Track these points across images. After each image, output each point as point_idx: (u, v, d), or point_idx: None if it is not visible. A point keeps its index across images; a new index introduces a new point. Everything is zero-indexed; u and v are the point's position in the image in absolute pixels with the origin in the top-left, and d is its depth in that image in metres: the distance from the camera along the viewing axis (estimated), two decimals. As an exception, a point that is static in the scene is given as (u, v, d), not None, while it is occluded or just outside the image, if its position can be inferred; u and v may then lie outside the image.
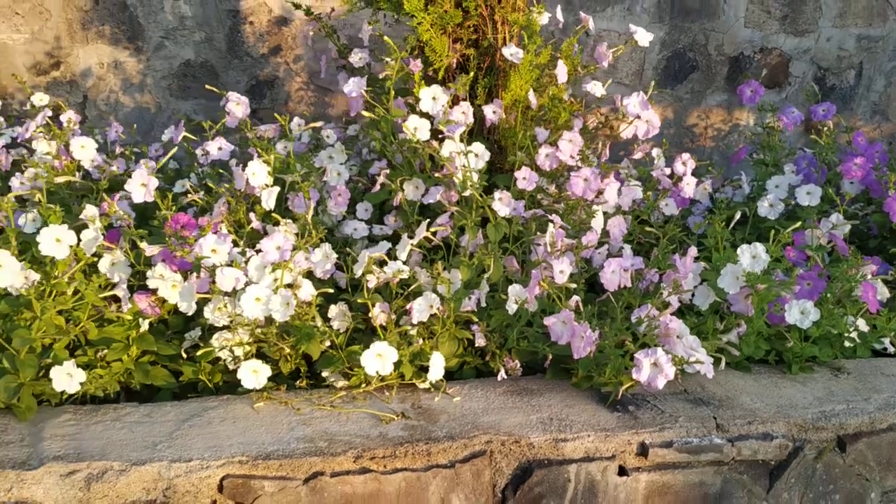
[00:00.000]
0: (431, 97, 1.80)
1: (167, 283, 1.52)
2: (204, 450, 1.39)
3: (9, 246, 1.46)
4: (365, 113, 1.87)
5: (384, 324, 1.61)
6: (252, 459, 1.38)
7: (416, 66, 1.81)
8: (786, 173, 2.39)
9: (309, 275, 1.63)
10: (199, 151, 2.15)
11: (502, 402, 1.60)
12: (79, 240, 1.45)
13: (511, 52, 1.85)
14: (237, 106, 2.17)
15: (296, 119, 2.28)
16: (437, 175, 1.76)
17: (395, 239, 1.97)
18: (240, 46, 3.01)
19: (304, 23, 3.01)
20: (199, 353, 1.57)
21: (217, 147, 1.94)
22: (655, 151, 2.32)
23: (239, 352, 1.58)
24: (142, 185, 1.63)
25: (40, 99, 2.66)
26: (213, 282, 1.54)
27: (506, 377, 1.67)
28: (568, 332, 1.49)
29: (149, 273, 1.53)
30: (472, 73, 1.88)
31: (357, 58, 2.12)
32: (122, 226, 1.66)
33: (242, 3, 2.97)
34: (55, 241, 1.42)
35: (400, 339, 1.58)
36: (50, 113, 2.49)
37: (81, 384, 1.39)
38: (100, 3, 2.91)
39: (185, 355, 1.61)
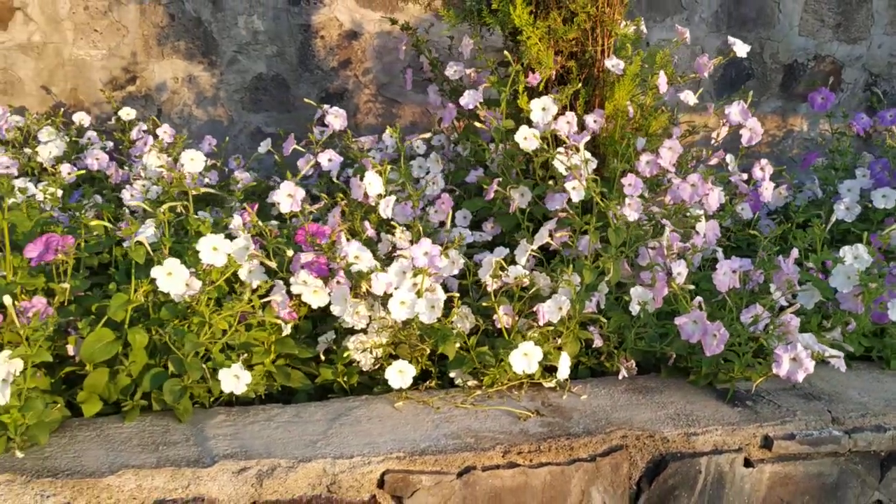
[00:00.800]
0: (541, 108, 1.88)
1: (309, 289, 1.59)
2: (361, 447, 1.46)
3: (161, 255, 1.53)
4: (477, 124, 1.94)
5: (508, 326, 1.68)
6: (409, 455, 1.44)
7: (535, 78, 1.89)
8: (857, 177, 2.47)
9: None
10: (301, 162, 2.22)
11: (627, 399, 1.67)
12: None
13: (613, 63, 1.93)
14: (336, 119, 2.24)
15: (387, 131, 2.36)
16: (549, 183, 1.83)
17: (491, 245, 2.04)
18: (310, 60, 3.09)
19: (374, 37, 3.09)
20: (337, 355, 1.64)
21: (327, 158, 2.02)
22: (729, 157, 2.40)
23: (372, 354, 1.65)
24: (288, 196, 1.70)
25: (127, 113, 2.74)
26: (352, 287, 1.61)
27: (626, 375, 1.74)
28: (699, 331, 1.56)
29: (291, 280, 1.60)
30: (574, 85, 1.96)
31: (452, 70, 2.20)
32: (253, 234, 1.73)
33: (314, 17, 3.05)
34: (212, 249, 1.49)
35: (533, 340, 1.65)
36: (145, 127, 2.57)
37: (247, 385, 1.45)
38: (176, 20, 2.99)
39: (322, 357, 1.67)
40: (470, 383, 1.67)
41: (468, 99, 1.93)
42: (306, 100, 2.50)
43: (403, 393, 1.63)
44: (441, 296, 1.55)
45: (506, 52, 2.04)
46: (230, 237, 1.58)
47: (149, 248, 1.53)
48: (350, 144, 2.17)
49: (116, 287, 1.48)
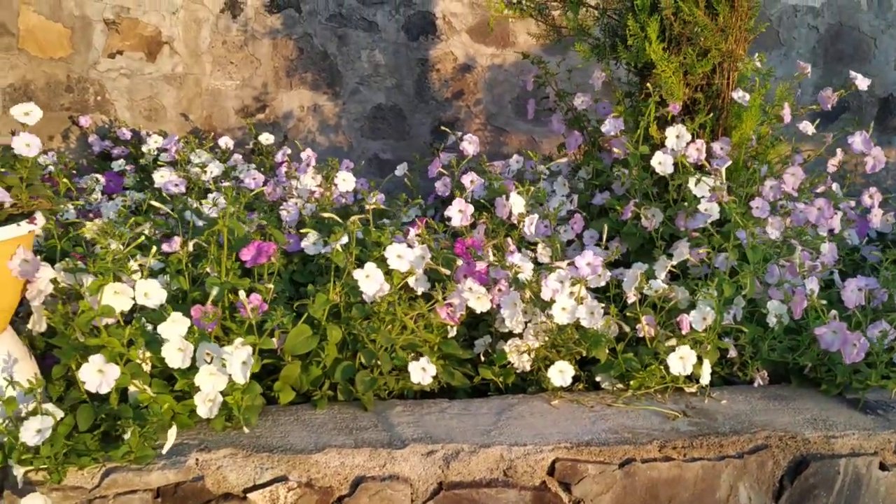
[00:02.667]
0: (675, 135, 2.04)
1: (474, 295, 1.76)
2: (531, 437, 1.61)
3: (349, 261, 1.72)
4: (616, 150, 2.11)
5: (651, 335, 1.82)
6: (575, 446, 1.60)
7: (675, 108, 2.05)
8: (963, 205, 2.57)
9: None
10: (439, 185, 2.41)
11: (764, 405, 1.80)
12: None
13: (739, 95, 2.09)
14: (470, 145, 2.44)
15: (514, 157, 2.55)
16: (684, 204, 1.98)
17: (616, 264, 2.19)
18: (426, 91, 3.30)
19: (485, 70, 3.30)
20: (496, 357, 1.81)
21: (469, 180, 2.20)
22: (835, 186, 2.52)
23: (528, 357, 1.81)
24: (459, 211, 1.89)
25: (266, 139, 2.98)
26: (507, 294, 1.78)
27: (761, 384, 1.86)
28: (839, 341, 1.69)
29: (458, 286, 1.77)
30: (702, 115, 2.12)
31: (580, 101, 2.38)
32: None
33: (431, 52, 3.27)
34: (397, 257, 1.68)
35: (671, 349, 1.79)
36: (289, 151, 2.79)
37: (433, 378, 1.63)
38: (304, 53, 3.23)
39: (482, 359, 1.84)
40: (617, 386, 1.81)
41: (609, 126, 2.10)
42: (444, 128, 2.70)
43: (558, 392, 1.78)
44: (597, 304, 1.71)
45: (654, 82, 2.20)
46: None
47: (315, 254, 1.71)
48: (485, 168, 2.35)
49: (314, 288, 1.67)
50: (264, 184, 2.42)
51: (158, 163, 2.62)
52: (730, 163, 1.99)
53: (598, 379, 1.85)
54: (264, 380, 1.69)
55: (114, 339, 1.40)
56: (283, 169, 2.58)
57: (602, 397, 1.79)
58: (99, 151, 2.93)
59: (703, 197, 1.98)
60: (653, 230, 2.03)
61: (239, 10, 3.17)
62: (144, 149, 2.73)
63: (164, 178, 2.34)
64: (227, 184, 2.42)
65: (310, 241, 2.00)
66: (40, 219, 1.45)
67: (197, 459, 1.49)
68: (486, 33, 3.25)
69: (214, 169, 2.41)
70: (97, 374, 1.37)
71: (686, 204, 2.03)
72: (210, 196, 2.11)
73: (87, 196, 2.13)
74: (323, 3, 3.18)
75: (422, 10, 3.22)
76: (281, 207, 2.30)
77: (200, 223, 2.08)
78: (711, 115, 2.18)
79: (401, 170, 2.55)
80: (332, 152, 3.32)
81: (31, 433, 1.36)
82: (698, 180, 1.91)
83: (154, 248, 1.53)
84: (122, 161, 2.70)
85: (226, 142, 2.89)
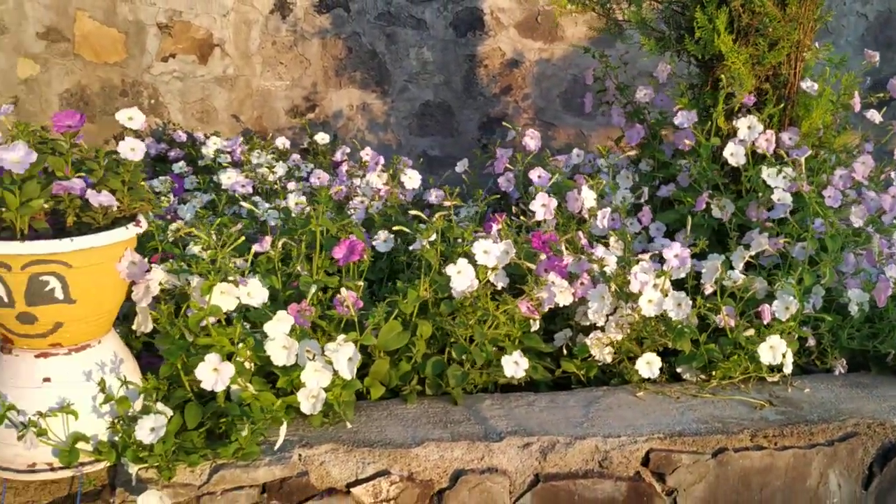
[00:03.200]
0: (747, 126, 2.04)
1: (557, 289, 1.78)
2: (623, 428, 1.63)
3: (435, 257, 1.74)
4: (687, 142, 2.12)
5: (732, 325, 1.83)
6: (668, 437, 1.61)
7: (750, 99, 2.06)
8: None
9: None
10: (502, 180, 2.43)
11: (847, 393, 1.80)
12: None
13: (808, 85, 2.09)
14: (531, 140, 2.45)
15: (575, 151, 2.56)
16: (759, 195, 1.99)
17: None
18: (474, 87, 3.32)
19: (533, 65, 3.31)
20: (578, 350, 1.82)
21: (537, 175, 2.21)
22: (894, 174, 2.51)
23: (609, 349, 1.83)
24: (542, 206, 1.91)
25: (322, 138, 3.01)
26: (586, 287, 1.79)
27: (842, 371, 1.87)
28: (927, 328, 1.69)
29: (541, 281, 1.79)
30: (770, 105, 2.12)
31: (642, 94, 2.38)
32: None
33: (479, 48, 3.28)
34: (484, 252, 1.70)
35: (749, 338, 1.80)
36: (348, 150, 2.82)
37: (524, 371, 1.65)
38: (353, 52, 3.26)
39: (565, 352, 1.86)
40: (700, 377, 1.83)
41: (682, 119, 2.11)
42: (506, 123, 2.73)
43: (642, 384, 1.80)
44: (684, 295, 1.72)
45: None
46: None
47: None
48: (547, 162, 2.37)
49: (403, 284, 1.69)
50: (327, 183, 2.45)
51: (221, 164, 2.65)
52: (809, 153, 2.00)
53: (678, 370, 1.86)
54: (351, 376, 1.71)
55: (223, 338, 1.43)
56: (344, 168, 2.61)
57: (686, 388, 1.81)
58: (155, 154, 2.96)
59: (777, 187, 1.98)
60: (726, 221, 2.03)
61: (288, 11, 3.20)
62: (204, 150, 2.76)
63: (230, 179, 2.37)
64: (292, 184, 2.44)
65: (381, 240, 2.02)
66: (143, 222, 1.48)
67: (300, 455, 1.52)
68: (534, 28, 3.26)
69: (280, 169, 2.43)
70: (212, 373, 1.40)
71: (759, 194, 2.03)
72: (290, 196, 2.14)
73: (162, 199, 2.16)
74: (371, 2, 3.20)
75: (469, 7, 3.24)
76: (348, 207, 2.33)
77: (272, 223, 2.11)
78: (778, 106, 2.18)
79: (461, 166, 2.57)
80: (380, 150, 3.33)
81: (146, 431, 1.39)
82: (779, 170, 1.92)
83: (252, 249, 1.55)
84: (182, 163, 2.74)
85: (283, 142, 2.92)
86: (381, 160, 2.44)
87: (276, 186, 2.49)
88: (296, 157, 2.81)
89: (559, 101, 3.34)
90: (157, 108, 3.18)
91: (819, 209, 1.85)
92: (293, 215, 1.95)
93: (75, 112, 1.49)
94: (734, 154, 2.05)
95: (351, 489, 1.52)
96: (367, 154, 2.63)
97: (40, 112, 3.10)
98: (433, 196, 2.58)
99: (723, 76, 2.06)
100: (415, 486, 1.54)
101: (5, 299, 1.35)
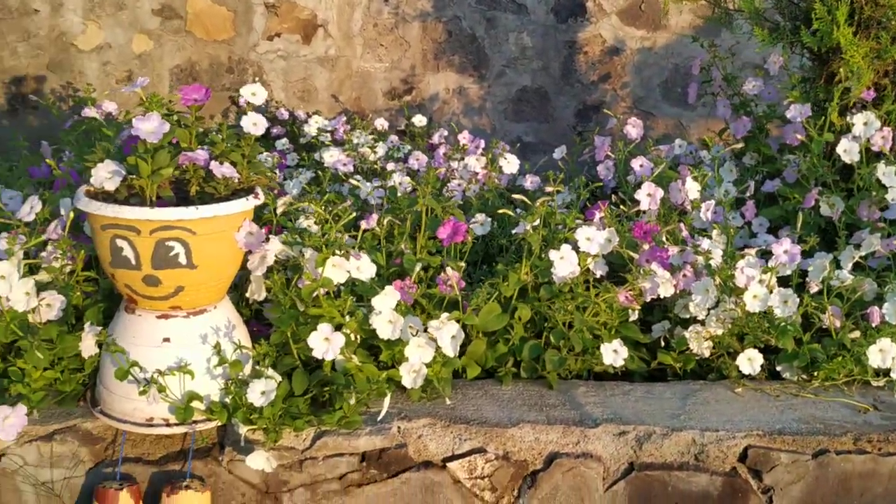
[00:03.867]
0: (864, 122, 1.97)
1: (660, 279, 1.77)
2: (721, 423, 1.61)
3: (538, 242, 1.75)
4: (798, 136, 2.06)
5: (837, 326, 1.78)
6: (768, 434, 1.59)
7: (869, 95, 1.99)
8: None
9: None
10: (601, 169, 2.42)
11: (959, 402, 1.74)
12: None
13: (931, 81, 2.00)
14: (633, 128, 2.43)
15: (677, 141, 2.52)
16: (873, 194, 1.93)
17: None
18: (572, 74, 3.30)
19: (634, 53, 3.26)
20: (675, 343, 1.81)
21: (639, 164, 2.19)
22: None
23: (706, 344, 1.80)
24: (648, 195, 1.90)
25: (420, 120, 3.04)
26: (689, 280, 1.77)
27: (954, 379, 1.80)
28: None
29: (646, 271, 1.78)
30: (890, 102, 2.04)
31: (751, 86, 2.33)
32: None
33: (579, 34, 3.25)
34: (586, 239, 1.70)
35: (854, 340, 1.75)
36: (446, 133, 2.84)
37: (623, 360, 1.65)
38: (452, 36, 3.28)
39: (663, 343, 1.84)
40: (802, 377, 1.79)
41: (794, 112, 2.05)
42: (606, 111, 2.70)
43: (741, 380, 1.77)
44: (790, 292, 1.69)
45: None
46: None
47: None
48: (650, 152, 2.34)
49: (504, 267, 1.71)
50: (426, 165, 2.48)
51: (323, 143, 2.71)
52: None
53: (778, 369, 1.83)
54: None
55: (334, 310, 1.47)
56: (441, 150, 2.63)
57: (786, 387, 1.77)
58: (258, 130, 3.04)
59: (892, 186, 1.91)
60: (836, 220, 1.98)
61: (391, -6, 3.24)
62: (307, 129, 2.83)
63: (332, 157, 2.43)
64: (391, 165, 2.48)
65: (479, 223, 2.04)
66: (261, 194, 1.54)
67: (399, 427, 1.56)
68: (637, 16, 3.21)
69: (380, 150, 2.48)
70: (323, 342, 1.45)
71: (873, 193, 1.97)
72: (395, 176, 2.18)
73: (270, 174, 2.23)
74: (473, -14, 3.21)
75: (572, -7, 3.21)
76: (445, 189, 2.35)
77: (374, 201, 2.15)
78: (896, 102, 2.10)
79: (559, 153, 2.56)
80: (474, 135, 3.34)
81: (257, 395, 1.45)
82: (897, 168, 1.85)
83: (360, 225, 1.59)
84: (284, 140, 2.81)
85: (381, 123, 2.97)
86: (482, 143, 2.46)
87: (376, 166, 2.54)
88: (394, 138, 2.85)
89: (659, 90, 3.29)
90: (261, 85, 3.27)
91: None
92: (398, 195, 1.99)
93: (201, 86, 1.55)
94: (847, 150, 1.99)
95: (447, 464, 1.55)
96: (464, 138, 2.65)
97: (151, 86, 3.23)
98: (528, 182, 2.58)
99: (840, 70, 1.99)
100: (509, 465, 1.56)
101: (133, 262, 1.43)
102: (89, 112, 2.50)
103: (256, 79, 3.27)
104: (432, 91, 3.34)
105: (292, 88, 3.31)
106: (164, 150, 1.40)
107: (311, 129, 2.84)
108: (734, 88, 2.44)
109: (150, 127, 1.37)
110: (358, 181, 2.15)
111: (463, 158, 2.38)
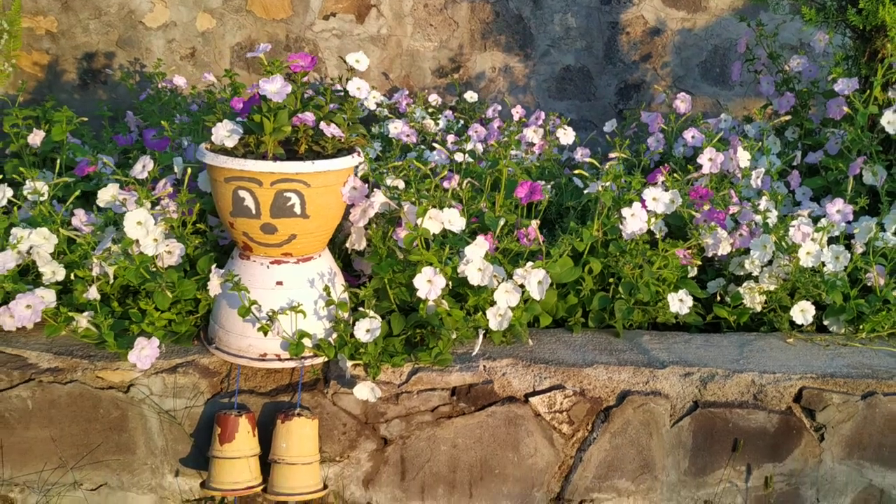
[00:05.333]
0: (906, 96, 2.11)
1: (720, 236, 1.91)
2: (777, 367, 1.76)
3: (609, 200, 1.89)
4: (845, 108, 2.20)
5: (881, 284, 1.93)
6: (820, 377, 1.74)
7: (915, 69, 2.13)
8: None
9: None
10: (650, 141, 2.56)
11: None
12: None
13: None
14: (682, 103, 2.57)
15: (723, 115, 2.66)
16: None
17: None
18: (614, 54, 3.43)
19: (675, 33, 3.39)
20: (730, 298, 1.96)
21: (691, 136, 2.34)
22: None
23: (758, 298, 1.95)
24: (709, 160, 2.04)
25: (471, 97, 3.18)
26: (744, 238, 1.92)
27: None
28: None
29: (711, 227, 1.92)
30: (931, 77, 2.18)
31: (795, 63, 2.46)
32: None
33: (622, 15, 3.39)
34: (653, 199, 1.85)
35: (897, 296, 1.90)
36: (500, 108, 2.99)
37: (689, 308, 1.80)
38: (499, 16, 3.41)
39: (719, 298, 1.99)
40: (848, 330, 1.93)
41: (842, 86, 2.19)
42: (657, 87, 2.84)
43: (792, 332, 1.92)
44: (842, 248, 1.83)
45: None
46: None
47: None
48: (700, 125, 2.48)
49: (576, 225, 1.86)
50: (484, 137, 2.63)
51: (383, 116, 2.86)
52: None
53: (826, 323, 1.97)
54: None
55: (433, 256, 1.63)
56: (496, 124, 2.78)
57: (834, 338, 1.92)
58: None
59: (932, 155, 2.06)
60: (880, 187, 2.12)
61: (441, -25, 3.37)
62: (366, 103, 2.98)
63: (397, 129, 2.58)
64: (451, 137, 2.63)
65: (547, 187, 2.19)
66: (361, 153, 1.69)
67: (485, 366, 1.72)
68: (679, -2, 3.34)
69: (442, 122, 2.63)
70: (426, 284, 1.61)
71: (914, 162, 2.11)
72: (470, 143, 2.33)
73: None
74: (521, -31, 3.35)
75: (616, -25, 3.34)
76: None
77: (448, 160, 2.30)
78: (936, 78, 2.23)
79: (609, 126, 2.71)
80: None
81: (363, 332, 1.61)
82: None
83: (443, 186, 1.74)
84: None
85: (435, 98, 3.11)
86: (542, 115, 2.60)
87: (437, 137, 2.69)
88: (448, 113, 3.00)
89: (698, 70, 3.43)
90: (317, 63, 3.42)
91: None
92: (476, 157, 2.14)
93: (307, 54, 1.71)
94: (891, 122, 2.13)
95: (529, 399, 1.71)
96: (517, 112, 2.79)
97: (213, 63, 3.39)
98: (579, 154, 2.72)
99: (888, 45, 2.13)
100: (585, 401, 1.72)
101: (253, 211, 1.59)
102: (167, 84, 2.66)
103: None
104: (479, 69, 3.49)
105: (345, 66, 3.45)
106: (285, 110, 1.55)
107: (369, 103, 2.99)
108: (778, 66, 2.57)
109: (274, 87, 1.53)
110: (444, 145, 2.30)
111: (521, 131, 2.52)
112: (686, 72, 3.44)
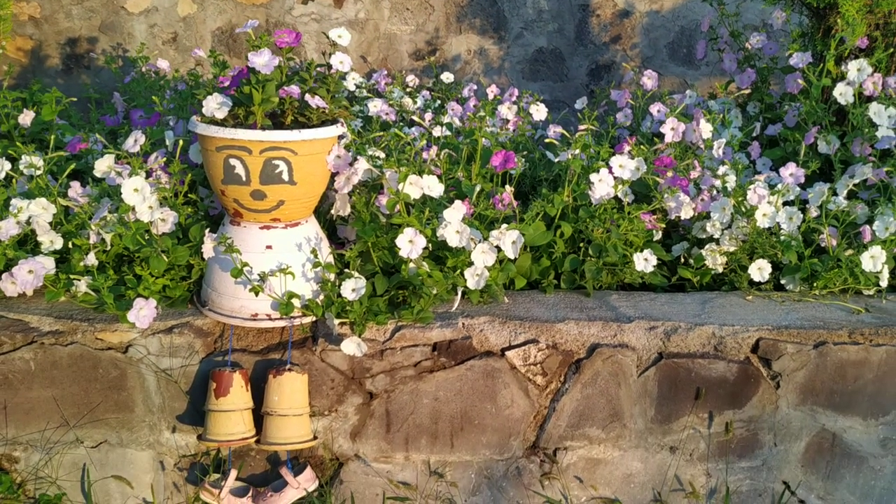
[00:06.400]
0: (857, 69, 2.25)
1: (682, 199, 2.04)
2: (736, 320, 1.89)
3: (579, 167, 2.01)
4: (801, 82, 2.33)
5: (834, 244, 2.06)
6: (776, 329, 1.87)
7: (863, 42, 2.26)
8: None
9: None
10: (619, 116, 2.68)
11: (936, 306, 2.03)
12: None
13: (916, 33, 2.27)
14: (649, 80, 2.68)
15: (688, 92, 2.78)
16: (864, 132, 2.20)
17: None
18: (585, 35, 3.55)
19: (643, 15, 3.52)
20: (692, 259, 2.08)
21: (657, 110, 2.46)
22: None
23: (719, 259, 2.08)
24: (671, 129, 2.16)
25: (447, 77, 3.28)
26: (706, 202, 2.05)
27: (932, 289, 2.09)
28: None
29: (673, 189, 2.05)
30: (880, 51, 2.31)
31: (755, 40, 2.59)
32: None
33: (593, -1, 3.51)
34: (619, 166, 1.96)
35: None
36: (475, 87, 3.09)
37: (654, 267, 1.92)
38: (474, 0, 3.52)
39: (683, 261, 2.12)
40: (801, 288, 2.07)
41: (797, 59, 2.32)
42: (625, 64, 2.95)
43: (751, 290, 2.05)
44: (795, 210, 1.96)
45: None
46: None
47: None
48: (665, 100, 2.61)
49: (547, 191, 1.98)
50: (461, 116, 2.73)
51: (362, 96, 2.96)
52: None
53: (783, 282, 2.11)
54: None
55: (413, 219, 1.74)
56: (472, 103, 2.89)
57: (789, 295, 2.05)
58: (296, 88, 3.28)
59: (881, 125, 2.19)
60: (832, 154, 2.25)
61: (417, -40, 3.47)
62: (345, 84, 3.07)
63: (376, 107, 2.68)
64: (429, 114, 2.74)
65: (521, 159, 2.31)
66: (343, 124, 1.79)
67: (463, 323, 1.83)
68: (647, -19, 3.46)
69: (420, 101, 2.73)
70: (408, 244, 1.71)
71: (865, 131, 2.24)
72: (446, 117, 2.43)
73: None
74: (494, -47, 3.45)
75: (586, -41, 3.46)
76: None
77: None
78: (889, 51, 2.37)
79: (580, 103, 2.82)
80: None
81: (349, 291, 1.72)
82: (887, 106, 2.13)
83: (422, 156, 1.85)
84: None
85: (412, 79, 3.21)
86: (516, 92, 2.71)
87: (415, 116, 2.79)
88: (425, 93, 3.10)
89: (666, 50, 3.55)
90: (296, 47, 3.50)
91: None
92: (453, 131, 2.24)
93: (292, 31, 1.80)
94: (843, 94, 2.26)
95: (505, 353, 1.82)
96: (492, 91, 2.90)
97: (194, 46, 3.46)
98: (551, 132, 2.84)
99: (838, 21, 2.26)
100: (558, 353, 1.83)
101: (243, 178, 1.69)
102: (151, 68, 2.73)
103: (292, 40, 3.49)
104: (454, 52, 3.59)
105: (324, 49, 3.54)
106: (273, 82, 1.65)
107: (349, 84, 3.08)
108: (739, 44, 2.70)
109: (262, 60, 1.62)
110: (421, 120, 2.40)
111: (496, 107, 2.63)
112: (654, 52, 3.56)
